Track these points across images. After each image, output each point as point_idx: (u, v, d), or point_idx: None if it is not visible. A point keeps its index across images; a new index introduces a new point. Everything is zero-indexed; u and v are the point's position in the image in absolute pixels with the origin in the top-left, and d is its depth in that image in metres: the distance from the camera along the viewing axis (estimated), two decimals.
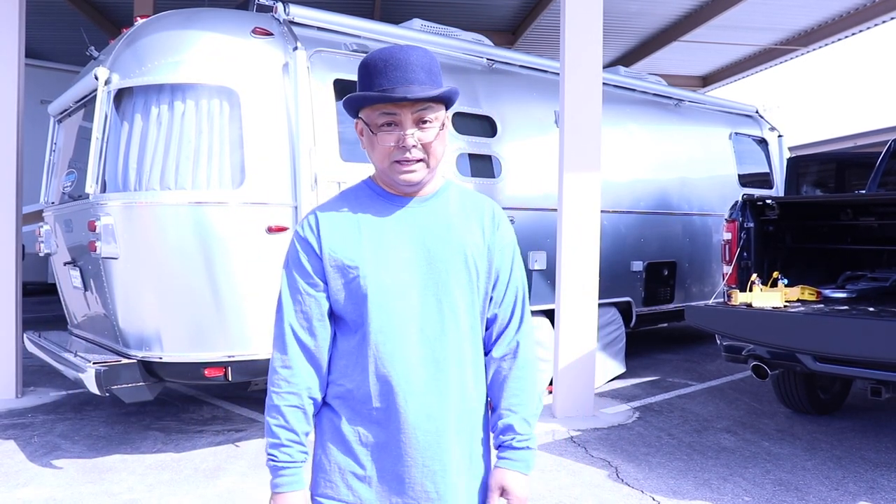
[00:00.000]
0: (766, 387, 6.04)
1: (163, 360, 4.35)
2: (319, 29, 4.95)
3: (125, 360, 4.36)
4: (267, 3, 4.83)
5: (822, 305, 4.52)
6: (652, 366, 7.23)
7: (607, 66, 9.13)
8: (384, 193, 1.55)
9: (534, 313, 5.87)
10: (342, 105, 1.53)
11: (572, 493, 3.83)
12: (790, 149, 10.42)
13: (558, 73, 5.48)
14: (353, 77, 4.85)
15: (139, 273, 4.35)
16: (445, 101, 1.50)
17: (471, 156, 5.54)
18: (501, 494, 1.56)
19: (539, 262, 5.85)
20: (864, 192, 6.24)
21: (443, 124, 1.50)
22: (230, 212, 4.31)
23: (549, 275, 5.80)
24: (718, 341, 4.78)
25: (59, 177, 5.43)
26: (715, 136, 8.14)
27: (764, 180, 8.71)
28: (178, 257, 4.29)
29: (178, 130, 4.31)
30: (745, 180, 8.25)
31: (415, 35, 5.55)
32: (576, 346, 5.31)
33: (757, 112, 9.14)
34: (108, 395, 4.25)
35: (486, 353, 1.62)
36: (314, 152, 4.54)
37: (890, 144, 6.19)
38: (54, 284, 5.96)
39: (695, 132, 7.89)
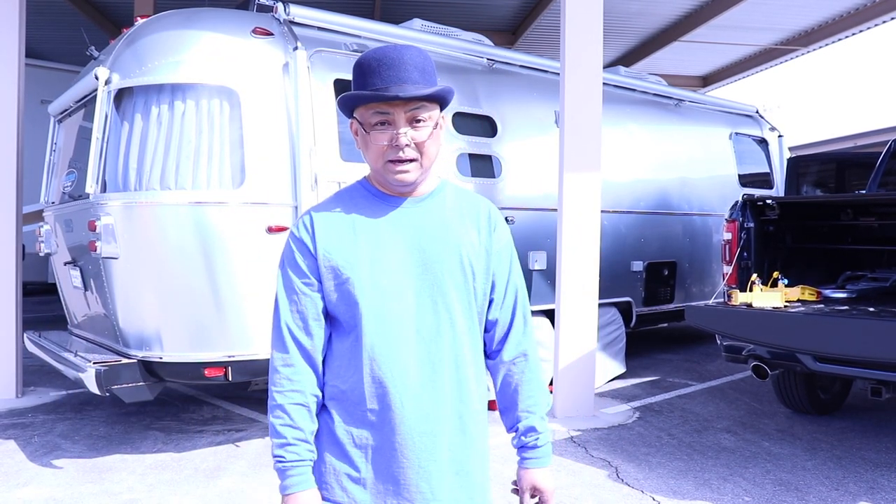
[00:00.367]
0: (766, 387, 6.04)
1: (163, 360, 4.35)
2: (319, 29, 4.95)
3: (125, 360, 4.36)
4: (267, 3, 4.83)
5: (822, 305, 4.52)
6: (652, 366, 7.23)
7: (607, 66, 9.13)
8: (379, 194, 1.54)
9: (534, 313, 5.88)
10: (337, 104, 1.54)
11: (572, 493, 3.83)
12: (790, 149, 10.42)
13: (558, 73, 5.48)
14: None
15: (139, 273, 4.35)
16: (439, 100, 1.49)
17: (471, 156, 5.54)
18: (533, 493, 1.60)
19: (539, 262, 5.85)
20: (864, 192, 6.24)
21: (437, 124, 1.50)
22: (230, 212, 4.31)
23: (549, 275, 5.80)
24: (718, 341, 4.78)
25: (59, 177, 5.43)
26: (715, 136, 8.14)
27: (764, 180, 8.71)
28: (178, 257, 4.29)
29: (178, 130, 4.31)
30: (745, 180, 8.25)
31: (415, 35, 5.56)
32: (576, 346, 5.31)
33: (757, 112, 9.14)
34: (108, 394, 4.25)
35: (491, 356, 1.63)
36: (314, 152, 4.54)
37: (890, 144, 6.18)
38: (54, 284, 5.96)
39: (695, 132, 7.89)
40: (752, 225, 4.92)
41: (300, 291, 1.51)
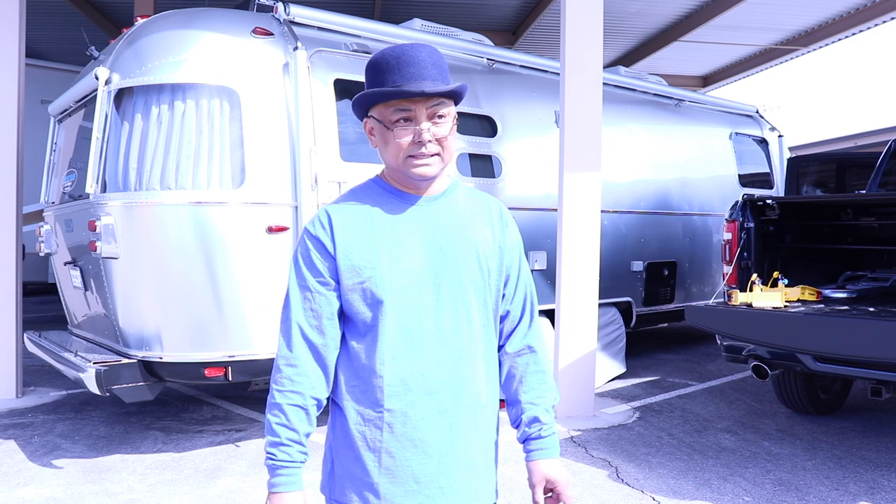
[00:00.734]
0: (766, 387, 6.04)
1: (163, 360, 4.35)
2: (320, 29, 4.96)
3: (125, 360, 4.36)
4: (267, 3, 4.83)
5: (822, 305, 4.51)
6: (652, 366, 7.23)
7: (608, 66, 9.13)
8: (395, 191, 1.55)
9: None
10: (352, 103, 1.53)
11: (572, 493, 3.82)
12: (790, 149, 10.42)
13: (558, 73, 5.48)
14: (354, 77, 4.87)
15: (139, 273, 4.35)
16: (456, 96, 1.52)
17: (471, 156, 5.54)
18: (547, 486, 1.59)
19: (539, 262, 5.86)
20: (864, 192, 6.24)
21: (454, 119, 1.52)
22: (230, 212, 4.31)
23: (550, 275, 5.80)
24: (719, 341, 4.78)
25: (59, 177, 5.43)
26: (715, 136, 8.14)
27: (764, 180, 8.71)
28: (178, 257, 4.29)
29: (178, 130, 4.31)
30: (745, 180, 8.25)
31: (415, 35, 5.56)
32: (576, 346, 5.31)
33: (757, 112, 9.14)
34: (108, 394, 4.25)
35: (499, 349, 1.65)
36: (314, 152, 4.54)
37: (890, 144, 6.18)
38: (54, 284, 5.96)
39: (695, 132, 7.89)
40: (752, 225, 4.92)
41: (315, 290, 1.49)
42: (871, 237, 5.43)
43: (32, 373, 6.46)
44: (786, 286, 4.61)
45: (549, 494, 1.60)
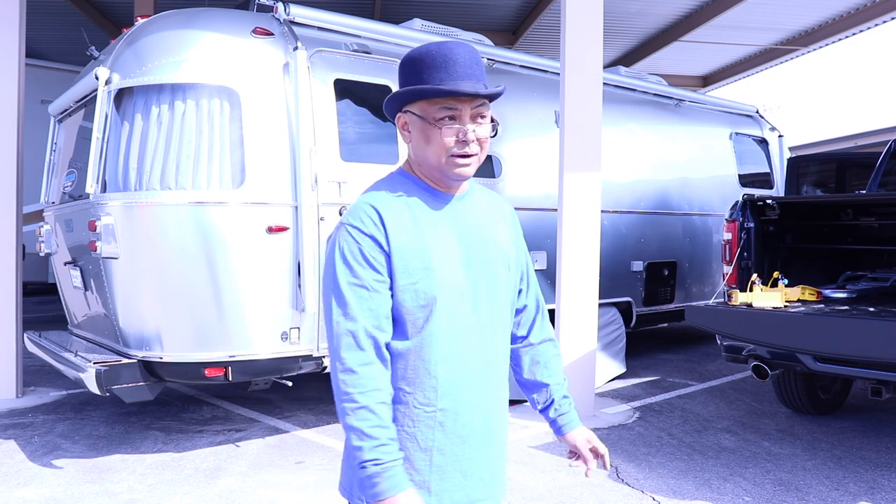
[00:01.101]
0: (766, 387, 6.03)
1: (163, 360, 4.35)
2: (320, 29, 4.95)
3: (125, 360, 4.36)
4: (267, 3, 4.83)
5: (822, 305, 4.51)
6: (652, 366, 7.23)
7: (608, 66, 9.13)
8: (429, 188, 1.54)
9: None
10: (388, 98, 1.53)
11: (573, 493, 3.83)
12: (790, 149, 10.41)
13: (558, 73, 5.48)
14: (354, 77, 4.87)
15: (139, 273, 4.35)
16: (496, 98, 1.54)
17: None
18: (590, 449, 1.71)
19: (539, 262, 5.86)
20: (864, 192, 6.24)
21: (492, 119, 1.55)
22: (230, 212, 4.31)
23: (550, 275, 5.80)
24: (719, 341, 4.78)
25: (59, 177, 5.43)
26: (715, 136, 8.14)
27: (764, 180, 8.71)
28: (178, 257, 4.29)
29: (178, 130, 4.31)
30: (745, 180, 8.25)
31: (415, 35, 5.56)
32: (576, 346, 5.31)
33: (757, 112, 9.14)
34: (108, 394, 4.25)
35: (517, 341, 1.73)
36: (314, 152, 4.54)
37: (890, 144, 6.18)
38: (55, 284, 5.96)
39: (695, 132, 7.89)
40: (752, 225, 4.92)
41: (373, 288, 1.43)
42: (871, 237, 5.43)
43: (32, 373, 6.46)
44: (786, 286, 4.61)
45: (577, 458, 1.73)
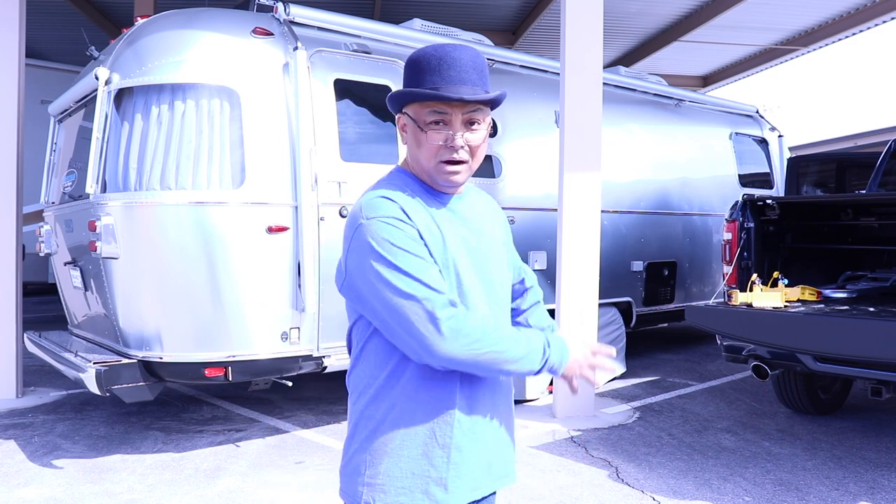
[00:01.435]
0: (766, 387, 6.03)
1: (163, 360, 4.35)
2: (320, 29, 4.95)
3: (126, 360, 4.36)
4: (267, 3, 4.83)
5: (822, 305, 4.51)
6: (652, 366, 7.23)
7: (608, 66, 9.13)
8: (430, 189, 1.53)
9: None
10: (388, 97, 1.53)
11: (573, 494, 3.83)
12: (790, 149, 10.41)
13: (558, 73, 5.48)
14: (354, 77, 4.87)
15: (139, 273, 4.35)
16: (493, 104, 1.51)
17: None
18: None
19: (539, 262, 5.85)
20: (864, 192, 6.24)
21: (488, 126, 1.52)
22: (230, 212, 4.31)
23: (550, 275, 5.80)
24: (719, 341, 4.78)
25: (59, 177, 5.43)
26: (715, 136, 8.14)
27: (764, 180, 8.71)
28: (178, 257, 4.29)
29: (178, 130, 4.31)
30: (745, 180, 8.25)
31: (415, 35, 5.55)
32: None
33: (757, 112, 9.14)
34: (108, 395, 4.25)
35: (515, 314, 1.77)
36: (314, 152, 4.54)
37: (890, 144, 6.18)
38: (55, 284, 5.96)
39: (695, 132, 7.89)
40: (752, 225, 4.92)
41: (428, 259, 1.42)
42: (871, 237, 5.43)
43: (32, 373, 6.46)
44: (786, 286, 4.61)
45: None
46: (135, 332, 4.42)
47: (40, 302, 11.01)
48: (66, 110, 5.40)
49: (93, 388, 4.15)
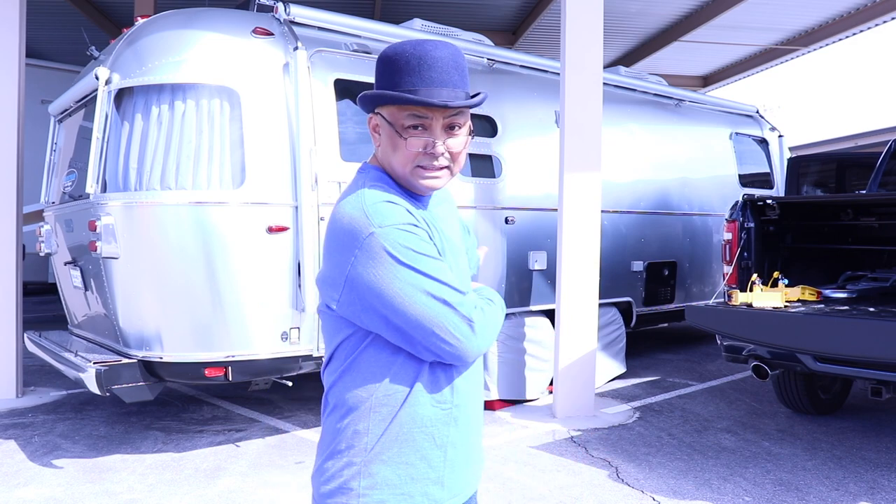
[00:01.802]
0: (766, 387, 6.04)
1: (163, 360, 4.35)
2: (320, 29, 4.95)
3: (126, 360, 4.36)
4: (267, 3, 4.83)
5: (822, 305, 4.51)
6: (652, 366, 7.23)
7: (608, 66, 9.13)
8: (407, 193, 1.48)
9: (534, 313, 5.89)
10: (359, 97, 1.46)
11: (572, 493, 3.83)
12: (791, 149, 10.41)
13: (559, 73, 5.48)
14: (354, 77, 4.86)
15: (140, 273, 4.35)
16: (476, 106, 1.47)
17: (471, 156, 5.54)
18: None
19: (539, 262, 5.85)
20: (864, 192, 6.24)
21: (469, 128, 1.47)
22: (231, 212, 4.31)
23: (550, 275, 5.80)
24: (719, 341, 4.78)
25: (59, 177, 5.43)
26: (715, 136, 8.14)
27: (764, 180, 8.71)
28: (178, 257, 4.29)
29: (178, 130, 4.31)
30: (745, 180, 8.25)
31: (415, 35, 5.56)
32: (576, 346, 5.31)
33: (757, 112, 9.14)
34: (108, 394, 4.25)
35: None
36: (315, 152, 4.54)
37: (890, 145, 6.18)
38: (55, 284, 5.96)
39: (695, 132, 7.88)
40: (752, 225, 4.92)
41: (448, 268, 1.40)
42: (871, 237, 5.43)
43: (32, 373, 6.46)
44: (786, 286, 4.61)
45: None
46: (135, 331, 4.42)
47: (40, 302, 11.01)
48: (66, 110, 5.40)
49: (93, 387, 4.15)
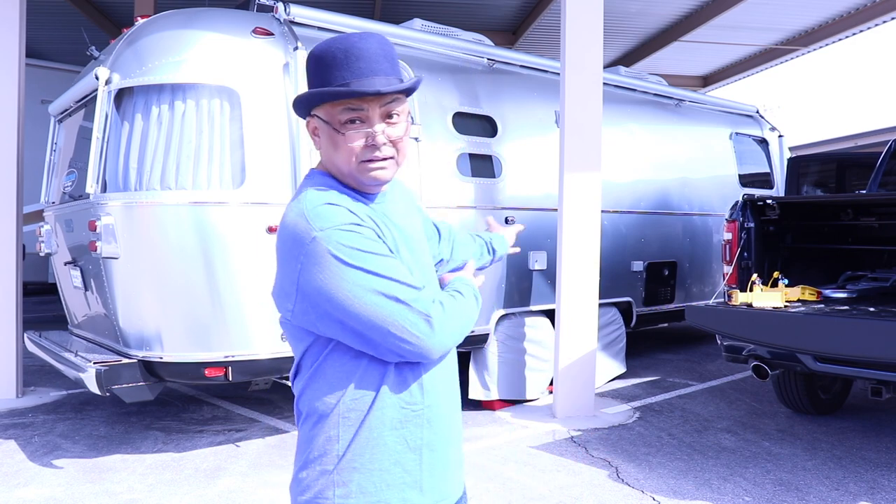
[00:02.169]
0: (766, 387, 6.04)
1: (163, 360, 4.35)
2: (320, 29, 4.95)
3: (126, 360, 4.36)
4: (267, 3, 4.83)
5: (822, 305, 4.51)
6: (652, 366, 7.24)
7: (608, 66, 9.13)
8: (355, 193, 1.43)
9: (534, 313, 5.90)
10: (293, 102, 1.43)
11: (572, 493, 3.83)
12: (791, 149, 10.41)
13: (559, 73, 5.48)
14: None
15: (140, 273, 4.35)
16: (410, 92, 1.43)
17: (471, 156, 5.54)
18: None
19: (539, 262, 5.85)
20: (864, 192, 6.24)
21: (408, 116, 1.44)
22: (230, 212, 4.31)
23: (550, 275, 5.80)
24: (719, 341, 4.78)
25: (59, 177, 5.43)
26: (715, 136, 8.14)
27: (764, 180, 8.71)
28: (178, 257, 4.29)
29: (178, 130, 4.31)
30: (745, 180, 8.25)
31: (415, 35, 5.55)
32: (576, 346, 5.31)
33: (757, 112, 9.14)
34: (108, 394, 4.25)
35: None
36: (314, 152, 4.54)
37: (890, 144, 6.18)
38: (55, 284, 5.96)
39: (695, 132, 7.89)
40: (752, 225, 4.92)
41: (402, 264, 1.38)
42: (871, 237, 5.43)
43: (32, 373, 6.46)
44: (786, 286, 4.61)
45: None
46: (135, 331, 4.42)
47: (40, 302, 11.01)
48: (66, 110, 5.40)
49: (93, 387, 4.15)
